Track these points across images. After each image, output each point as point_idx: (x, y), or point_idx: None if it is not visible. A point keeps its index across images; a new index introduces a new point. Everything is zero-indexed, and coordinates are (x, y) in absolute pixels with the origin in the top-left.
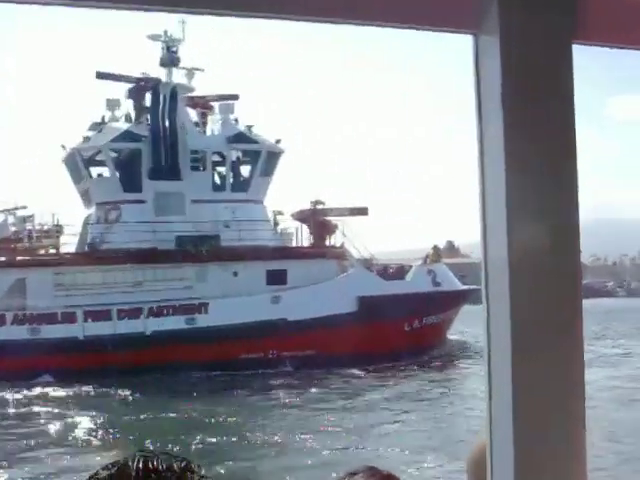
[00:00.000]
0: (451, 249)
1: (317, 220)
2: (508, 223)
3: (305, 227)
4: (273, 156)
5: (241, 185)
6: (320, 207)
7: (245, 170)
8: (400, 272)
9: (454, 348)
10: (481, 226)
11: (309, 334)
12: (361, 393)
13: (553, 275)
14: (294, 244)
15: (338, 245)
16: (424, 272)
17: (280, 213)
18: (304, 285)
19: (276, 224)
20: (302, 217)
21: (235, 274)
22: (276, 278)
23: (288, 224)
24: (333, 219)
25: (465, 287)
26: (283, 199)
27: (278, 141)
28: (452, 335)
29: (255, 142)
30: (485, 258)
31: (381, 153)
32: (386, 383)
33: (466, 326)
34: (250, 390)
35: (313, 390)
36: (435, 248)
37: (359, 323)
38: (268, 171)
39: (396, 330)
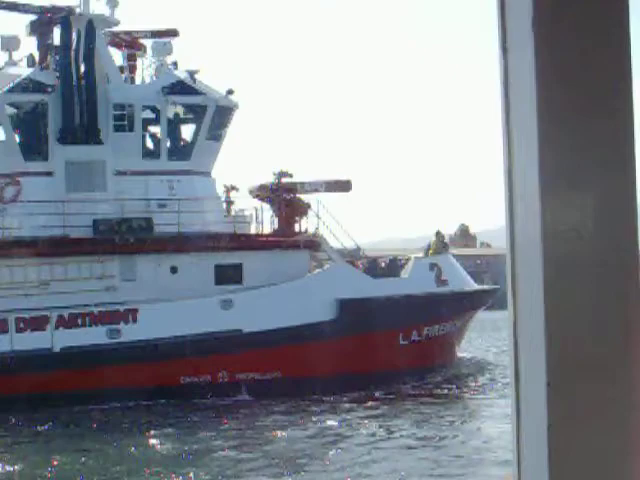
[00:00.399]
0: (465, 236)
1: (283, 198)
2: (542, 203)
3: (268, 207)
4: (224, 112)
5: (181, 151)
6: (287, 181)
7: (187, 131)
8: (394, 267)
9: (467, 369)
10: (506, 207)
11: (272, 350)
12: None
13: (603, 269)
14: (252, 230)
15: (311, 232)
16: (425, 267)
17: (234, 189)
18: (266, 285)
19: (229, 203)
20: (263, 194)
21: (173, 270)
22: (228, 275)
23: (245, 204)
24: (305, 197)
25: (481, 287)
26: (238, 171)
27: (230, 92)
28: (464, 352)
29: (200, 93)
30: (511, 248)
31: (373, 119)
32: (363, 423)
33: (484, 339)
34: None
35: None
36: (439, 235)
37: (339, 335)
38: (217, 133)
39: (388, 344)
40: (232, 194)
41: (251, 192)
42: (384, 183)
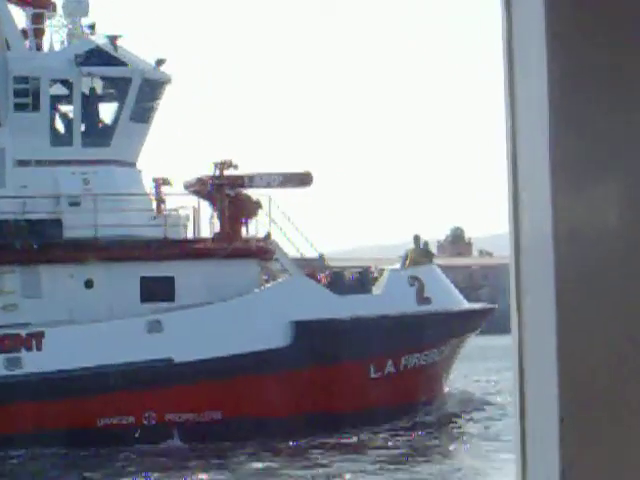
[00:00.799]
0: (458, 242)
1: (226, 194)
2: (554, 197)
3: (207, 206)
4: (153, 88)
5: (100, 136)
6: (232, 174)
7: (107, 111)
8: (364, 281)
9: (456, 407)
10: (510, 202)
11: (211, 385)
12: None
13: (629, 280)
14: (189, 235)
15: (261, 236)
16: (403, 281)
17: (166, 183)
18: (204, 303)
19: (160, 201)
20: (202, 190)
21: (88, 284)
22: (157, 291)
23: (180, 202)
24: (254, 193)
25: (474, 306)
26: (173, 162)
27: (161, 62)
28: (453, 386)
29: (122, 64)
30: (516, 254)
31: (352, 114)
32: None
33: (477, 370)
34: None
35: None
36: (417, 241)
37: (294, 366)
38: (145, 113)
39: (356, 378)
40: (164, 189)
41: (187, 187)
42: (359, 182)
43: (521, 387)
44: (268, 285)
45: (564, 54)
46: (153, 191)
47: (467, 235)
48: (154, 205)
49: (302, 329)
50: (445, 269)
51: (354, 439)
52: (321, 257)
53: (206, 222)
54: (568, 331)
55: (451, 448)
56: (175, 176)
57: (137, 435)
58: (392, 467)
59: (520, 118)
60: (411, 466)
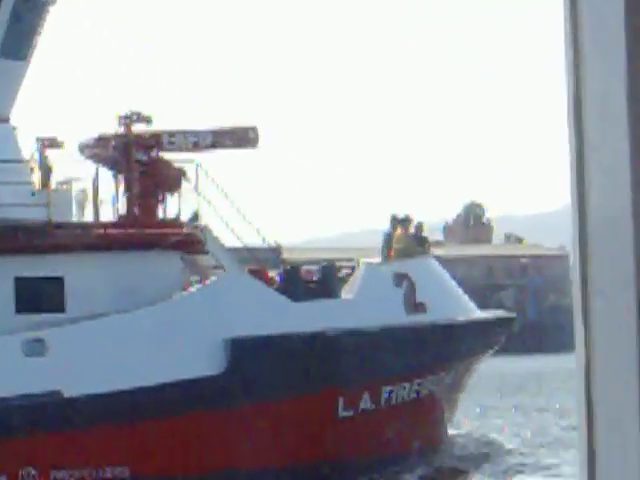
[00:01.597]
0: (473, 225)
1: (136, 160)
2: (634, 163)
3: (111, 177)
4: (30, 9)
5: None
6: (145, 131)
7: None
8: (330, 281)
9: (465, 461)
10: (572, 174)
11: (115, 430)
12: None
13: None
14: (86, 217)
15: (185, 219)
16: (385, 280)
17: (55, 145)
18: (103, 313)
19: (45, 171)
20: (103, 153)
21: None
22: (39, 297)
23: (75, 171)
24: (175, 158)
25: (485, 315)
26: (63, 119)
27: None
28: (461, 428)
29: None
30: (581, 240)
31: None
32: None
33: (495, 406)
34: None
35: None
36: (403, 223)
37: (230, 402)
38: (19, 47)
39: (318, 417)
40: (51, 154)
41: (83, 150)
42: (341, 155)
43: (589, 428)
44: (194, 288)
45: None
46: (36, 157)
47: (486, 212)
48: (37, 177)
49: (241, 349)
50: (453, 262)
51: None
52: (277, 248)
53: (109, 199)
54: None
55: None
56: (68, 137)
57: None
58: None
59: (585, 58)
60: None
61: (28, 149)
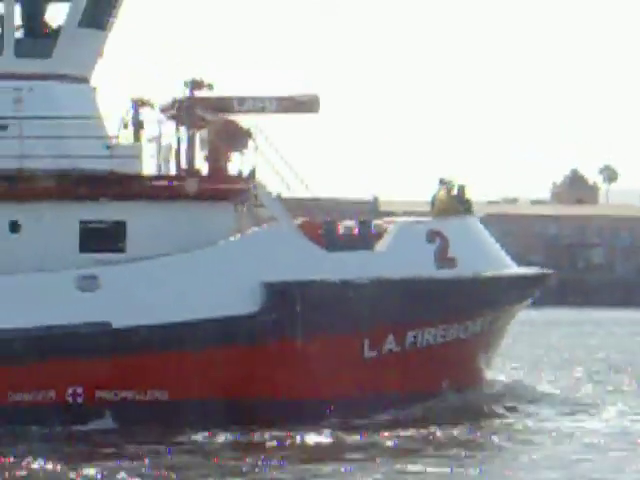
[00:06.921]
0: (577, 185)
1: (199, 118)
2: None
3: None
4: None
5: (39, 44)
6: (219, 95)
7: (53, 14)
8: (365, 235)
9: (495, 398)
10: None
11: (156, 357)
12: None
13: None
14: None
15: (241, 174)
16: (418, 236)
17: (146, 104)
18: (159, 255)
19: (138, 125)
20: (176, 113)
21: (14, 227)
22: (101, 238)
23: (165, 129)
24: (242, 119)
25: (521, 270)
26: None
27: None
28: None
29: None
30: None
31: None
32: None
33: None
34: None
35: None
36: (448, 186)
37: (264, 338)
38: (98, 17)
39: (344, 356)
40: (145, 112)
41: (163, 111)
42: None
43: None
44: (238, 236)
45: None
46: (130, 114)
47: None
48: (129, 132)
49: (275, 292)
50: (551, 219)
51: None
52: (374, 200)
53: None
54: None
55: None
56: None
57: (60, 414)
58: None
59: None
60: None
61: (121, 107)
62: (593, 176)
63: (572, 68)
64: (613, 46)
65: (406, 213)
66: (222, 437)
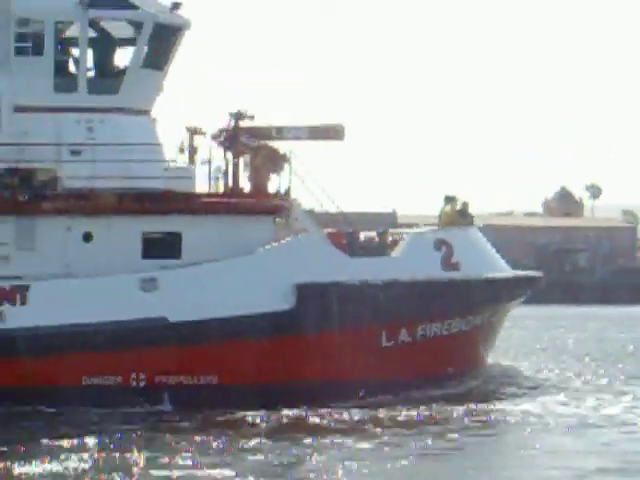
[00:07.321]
0: (565, 202)
1: (245, 145)
2: None
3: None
4: (167, 33)
5: (108, 82)
6: (261, 125)
7: (121, 57)
8: (383, 243)
9: (492, 382)
10: None
11: (207, 348)
12: None
13: None
14: (217, 189)
15: (279, 192)
16: (427, 244)
17: (198, 132)
18: (210, 261)
19: (193, 151)
20: (224, 140)
21: (87, 238)
22: (161, 247)
23: (215, 154)
24: (279, 145)
25: (515, 273)
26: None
27: (176, 6)
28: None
29: (132, 7)
30: None
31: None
32: None
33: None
34: None
35: None
36: (452, 202)
37: (296, 332)
38: (158, 59)
39: (365, 345)
40: (197, 139)
41: (214, 138)
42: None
43: None
44: (274, 244)
45: None
46: (186, 141)
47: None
48: (175, 156)
49: (305, 292)
50: (542, 229)
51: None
52: (392, 213)
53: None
54: None
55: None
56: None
57: (126, 396)
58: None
59: None
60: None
61: (178, 135)
62: (580, 192)
63: (571, 95)
64: (607, 73)
65: (416, 225)
66: (274, 415)
